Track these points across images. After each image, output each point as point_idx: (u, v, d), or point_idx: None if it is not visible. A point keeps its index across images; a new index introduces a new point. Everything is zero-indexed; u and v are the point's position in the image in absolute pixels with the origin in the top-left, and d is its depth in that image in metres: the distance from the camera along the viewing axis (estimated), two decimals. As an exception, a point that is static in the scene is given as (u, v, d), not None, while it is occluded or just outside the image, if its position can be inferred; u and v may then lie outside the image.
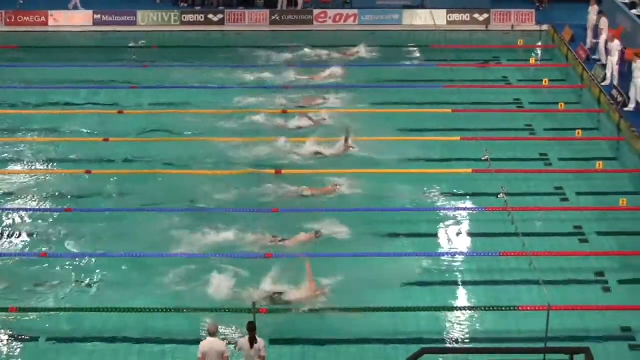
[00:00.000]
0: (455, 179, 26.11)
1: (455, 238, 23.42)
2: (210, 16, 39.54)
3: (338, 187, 25.22)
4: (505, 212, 23.65)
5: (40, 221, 24.01)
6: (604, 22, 33.62)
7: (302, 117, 29.45)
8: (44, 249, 22.69)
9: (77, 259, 22.18)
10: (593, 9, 34.82)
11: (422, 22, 39.53)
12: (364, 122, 29.25)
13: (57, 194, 25.36)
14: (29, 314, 20.05)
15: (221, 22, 39.47)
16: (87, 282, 21.38)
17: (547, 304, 18.16)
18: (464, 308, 20.42)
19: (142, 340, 19.39)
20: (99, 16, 39.26)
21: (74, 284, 21.26)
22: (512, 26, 39.14)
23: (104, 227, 23.70)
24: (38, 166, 27.10)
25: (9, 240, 23.20)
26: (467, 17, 39.61)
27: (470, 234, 23.64)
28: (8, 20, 39.19)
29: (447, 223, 23.99)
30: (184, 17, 39.45)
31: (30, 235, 23.41)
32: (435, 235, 23.48)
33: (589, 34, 34.90)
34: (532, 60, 35.62)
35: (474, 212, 24.55)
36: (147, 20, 39.30)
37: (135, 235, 23.10)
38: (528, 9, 39.71)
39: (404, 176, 25.92)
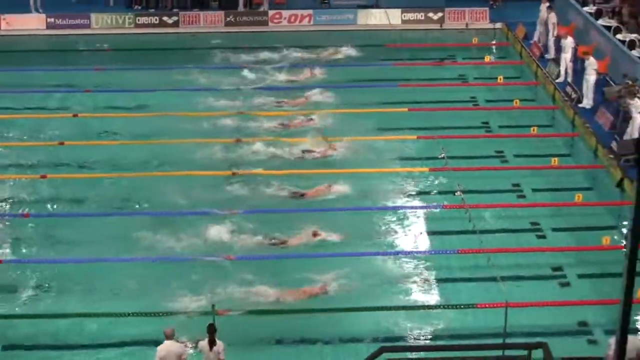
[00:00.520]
0: (412, 177, 26.19)
1: (412, 236, 23.47)
2: (165, 18, 39.36)
3: (331, 187, 25.21)
4: (463, 209, 23.80)
5: (-2, 226, 23.87)
6: (553, 17, 33.91)
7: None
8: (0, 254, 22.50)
9: (34, 265, 22.00)
10: (544, 6, 35.10)
11: (377, 22, 39.62)
12: (320, 123, 29.27)
13: (13, 199, 25.13)
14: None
15: (176, 24, 39.30)
16: (45, 288, 21.22)
17: (505, 301, 18.31)
18: (423, 306, 20.48)
19: (100, 345, 19.30)
20: (52, 19, 38.91)
21: (32, 290, 21.10)
22: (467, 24, 39.32)
23: (63, 232, 23.52)
24: (-7, 171, 26.90)
25: (-35, 245, 23.02)
26: (422, 16, 39.74)
27: (427, 232, 23.69)
28: (-40, 25, 38.80)
29: (404, 221, 24.05)
30: (138, 20, 39.24)
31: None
32: (393, 234, 23.50)
33: (541, 30, 35.14)
34: (487, 58, 35.77)
35: (431, 210, 24.63)
36: (101, 23, 39.03)
37: (94, 240, 22.95)
38: (482, 7, 39.91)
39: (361, 175, 25.93)
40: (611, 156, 26.05)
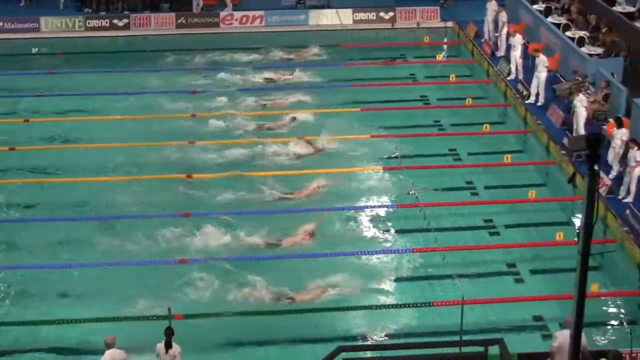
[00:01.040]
0: (366, 177, 26.23)
1: (367, 236, 23.50)
2: (115, 21, 39.07)
3: (321, 187, 25.21)
4: (417, 208, 23.88)
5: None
6: (504, 16, 34.15)
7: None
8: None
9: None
10: (491, 5, 35.35)
11: (329, 22, 39.64)
12: (277, 122, 29.33)
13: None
14: None
15: (127, 26, 39.00)
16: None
17: (461, 298, 18.41)
18: (380, 306, 20.52)
19: (55, 349, 19.20)
20: (0, 23, 38.48)
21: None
22: (418, 24, 39.47)
23: (14, 237, 23.28)
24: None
25: None
26: (373, 15, 39.83)
27: (382, 231, 23.75)
28: None
29: (359, 221, 24.07)
30: (89, 23, 38.90)
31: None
32: (348, 234, 23.52)
33: (489, 28, 35.36)
34: (439, 57, 35.95)
35: (386, 209, 24.68)
36: (50, 26, 38.65)
37: (46, 246, 22.78)
38: (433, 6, 40.07)
39: (315, 176, 25.84)
40: (563, 152, 26.29)
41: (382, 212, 24.58)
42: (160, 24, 39.15)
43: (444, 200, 25.05)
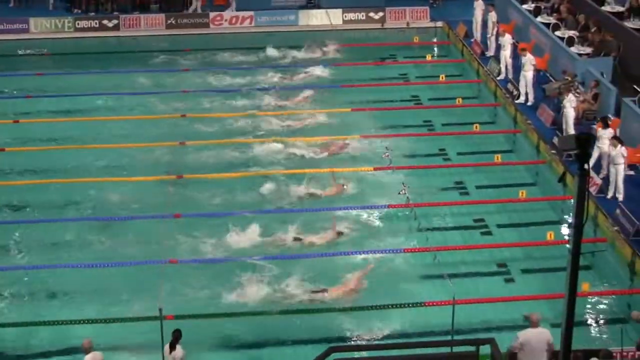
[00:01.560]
0: (357, 177, 26.22)
1: (359, 236, 23.48)
2: (105, 22, 39.00)
3: (345, 186, 25.31)
4: (408, 208, 23.88)
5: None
6: (493, 16, 34.21)
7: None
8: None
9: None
10: (478, 4, 35.41)
11: (319, 22, 39.62)
12: (267, 124, 29.34)
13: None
14: None
15: (116, 27, 38.94)
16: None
17: (452, 298, 18.42)
18: (371, 307, 20.49)
19: (50, 352, 19.16)
20: (-11, 24, 38.45)
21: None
22: (407, 24, 39.50)
23: (6, 239, 23.22)
24: None
25: None
26: (363, 15, 39.85)
27: (373, 232, 23.74)
28: None
29: (349, 221, 24.05)
30: (78, 24, 38.82)
31: None
32: (338, 235, 23.46)
33: (477, 27, 35.43)
34: (429, 57, 35.98)
35: (377, 209, 24.68)
36: (40, 27, 38.56)
37: (37, 247, 22.77)
38: (422, 6, 40.10)
39: (298, 176, 25.86)
40: (553, 152, 26.34)
41: (372, 212, 24.56)
42: (149, 25, 39.09)
43: (434, 200, 25.05)
